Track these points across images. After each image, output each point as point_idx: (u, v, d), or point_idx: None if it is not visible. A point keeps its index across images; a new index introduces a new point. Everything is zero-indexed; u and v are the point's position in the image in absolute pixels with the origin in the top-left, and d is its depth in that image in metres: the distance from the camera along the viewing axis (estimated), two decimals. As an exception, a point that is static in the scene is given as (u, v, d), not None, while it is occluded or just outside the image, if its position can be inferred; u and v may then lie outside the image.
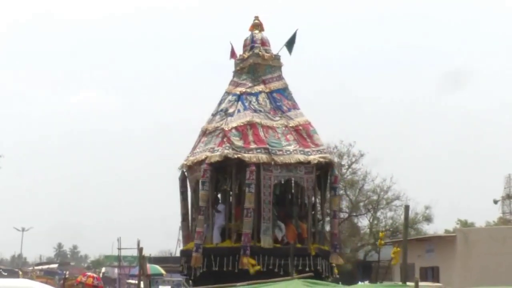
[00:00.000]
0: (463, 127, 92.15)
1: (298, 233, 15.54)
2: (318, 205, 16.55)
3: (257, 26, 16.83)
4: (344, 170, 40.72)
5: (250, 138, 15.36)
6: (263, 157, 15.10)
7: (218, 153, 15.16)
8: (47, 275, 47.08)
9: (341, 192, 38.40)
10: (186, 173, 16.13)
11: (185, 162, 15.99)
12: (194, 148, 16.05)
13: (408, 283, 7.88)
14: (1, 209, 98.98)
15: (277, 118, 15.94)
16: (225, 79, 17.00)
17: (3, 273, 47.72)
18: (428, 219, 40.36)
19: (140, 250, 14.04)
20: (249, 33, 16.69)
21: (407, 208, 8.42)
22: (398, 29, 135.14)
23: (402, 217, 36.69)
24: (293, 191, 16.41)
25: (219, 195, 16.28)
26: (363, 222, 41.47)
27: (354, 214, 40.92)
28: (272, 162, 15.15)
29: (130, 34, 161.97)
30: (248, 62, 16.41)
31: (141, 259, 11.00)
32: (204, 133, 16.08)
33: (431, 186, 60.31)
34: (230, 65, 17.06)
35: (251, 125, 15.54)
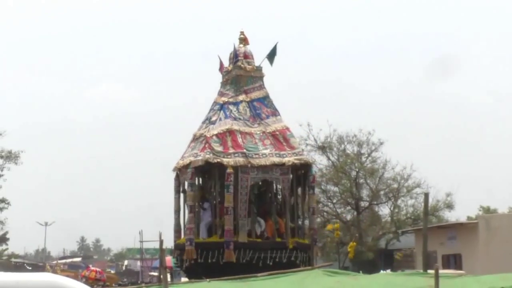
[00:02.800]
0: (483, 113, 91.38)
1: (277, 228, 17.20)
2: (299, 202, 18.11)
3: (242, 40, 18.57)
4: (363, 159, 40.57)
5: (229, 143, 17.13)
6: (240, 161, 16.85)
7: (200, 157, 16.97)
8: (70, 269, 47.39)
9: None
10: (179, 174, 18.05)
11: (176, 165, 17.97)
12: (184, 153, 17.98)
13: (429, 271, 7.83)
14: (24, 204, 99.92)
15: (256, 125, 17.67)
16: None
17: (28, 267, 48.17)
18: (449, 206, 40.28)
19: (160, 242, 14.28)
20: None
21: (426, 195, 8.45)
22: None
23: (423, 204, 36.80)
24: (271, 190, 18.22)
25: (204, 195, 18.04)
26: (384, 210, 41.48)
27: (375, 202, 40.87)
28: (249, 165, 16.83)
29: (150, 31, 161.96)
30: (232, 74, 18.21)
31: (162, 252, 11.10)
32: (194, 138, 18.01)
33: (452, 173, 59.99)
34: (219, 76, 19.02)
35: (230, 132, 17.33)
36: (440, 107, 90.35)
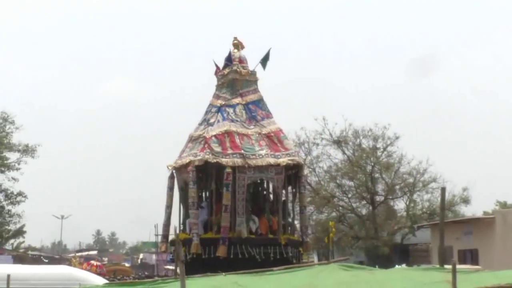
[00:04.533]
0: (500, 108, 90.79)
1: (270, 225, 18.19)
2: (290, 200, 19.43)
3: (236, 45, 19.44)
4: (379, 153, 40.45)
5: (227, 144, 18.07)
6: (238, 161, 17.82)
7: (199, 157, 17.90)
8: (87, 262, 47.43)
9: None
10: (174, 173, 18.88)
11: (173, 164, 18.78)
12: (182, 152, 18.82)
13: (446, 266, 7.78)
14: (41, 198, 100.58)
15: (252, 127, 18.62)
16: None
17: (44, 260, 48.50)
18: (465, 201, 40.18)
19: (176, 236, 14.45)
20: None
21: (443, 190, 8.43)
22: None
23: (439, 199, 36.61)
24: (265, 189, 19.24)
25: (202, 193, 19.08)
26: (400, 205, 41.40)
27: (390, 197, 40.73)
28: (246, 165, 17.81)
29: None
30: (228, 78, 19.13)
31: (178, 245, 11.16)
32: (191, 139, 18.87)
33: (469, 168, 59.76)
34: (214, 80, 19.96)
35: (228, 133, 18.26)
36: (458, 100, 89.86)
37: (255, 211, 18.34)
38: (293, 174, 18.78)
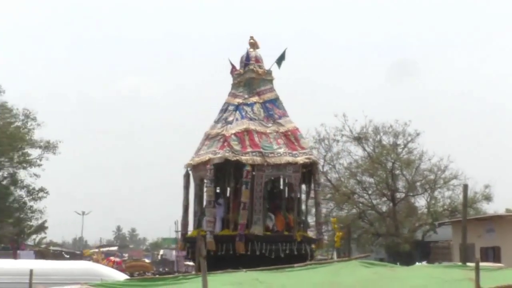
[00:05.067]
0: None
1: (286, 223, 18.50)
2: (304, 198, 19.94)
3: (253, 44, 19.80)
4: (399, 150, 40.24)
5: (247, 143, 18.33)
6: (258, 159, 18.12)
7: (219, 155, 18.13)
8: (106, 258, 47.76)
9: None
10: (190, 172, 19.18)
11: (190, 162, 19.00)
12: (198, 150, 19.08)
13: (468, 264, 7.73)
14: (63, 194, 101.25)
15: (270, 125, 18.96)
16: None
17: (65, 255, 48.86)
18: (487, 198, 39.90)
19: (198, 232, 14.49)
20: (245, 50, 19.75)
21: (465, 187, 8.35)
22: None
23: (461, 196, 36.61)
24: (281, 186, 19.52)
25: (218, 191, 19.16)
26: (420, 202, 41.20)
27: (411, 194, 40.54)
28: (265, 163, 18.16)
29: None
30: (245, 77, 19.45)
31: (200, 241, 11.23)
32: (207, 137, 19.10)
33: (491, 165, 59.29)
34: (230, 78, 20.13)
35: (248, 131, 18.54)
36: (479, 97, 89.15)
37: (272, 208, 18.65)
38: (307, 172, 19.09)
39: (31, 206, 46.75)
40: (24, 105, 46.28)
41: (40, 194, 46.31)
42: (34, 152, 46.30)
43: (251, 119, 18.78)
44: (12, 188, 46.50)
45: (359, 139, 41.38)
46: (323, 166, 41.48)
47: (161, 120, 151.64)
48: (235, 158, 18.00)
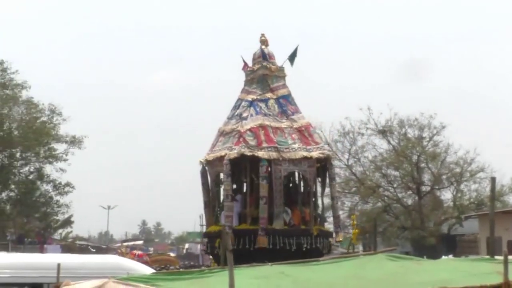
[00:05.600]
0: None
1: (302, 217, 18.75)
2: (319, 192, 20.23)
3: (264, 42, 20.04)
4: (425, 143, 39.97)
5: (262, 138, 18.59)
6: (274, 154, 18.39)
7: (235, 151, 18.36)
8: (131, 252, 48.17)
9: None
10: (206, 167, 19.47)
11: (206, 158, 19.31)
12: (213, 146, 19.35)
13: (496, 257, 7.65)
14: (88, 188, 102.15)
15: (284, 120, 19.21)
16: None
17: (91, 249, 49.31)
18: (515, 191, 39.16)
19: (223, 227, 14.64)
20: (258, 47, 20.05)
21: (493, 180, 8.26)
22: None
23: (487, 189, 36.65)
24: (297, 181, 19.78)
25: (234, 186, 19.39)
26: (446, 195, 40.92)
27: (437, 187, 40.25)
28: (281, 158, 18.41)
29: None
30: (258, 73, 19.67)
31: (226, 235, 11.28)
32: (222, 133, 19.32)
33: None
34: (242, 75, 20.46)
35: (262, 127, 18.81)
36: (507, 89, 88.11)
37: (288, 203, 18.90)
38: (321, 166, 19.38)
39: (57, 201, 47.23)
40: (50, 100, 46.74)
41: (66, 189, 46.74)
42: (60, 147, 46.76)
43: (265, 114, 19.07)
44: (38, 183, 47.01)
45: (384, 132, 41.19)
46: (348, 159, 41.46)
47: (187, 114, 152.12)
48: (251, 153, 18.29)
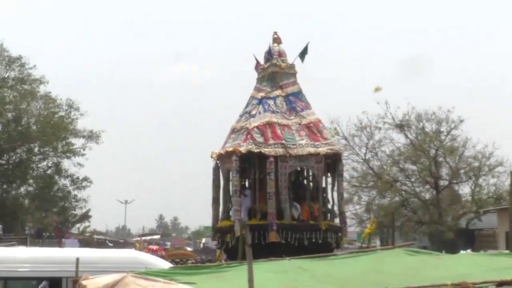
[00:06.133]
0: None
1: (311, 212, 19.06)
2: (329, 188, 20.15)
3: (276, 39, 20.39)
4: (443, 137, 39.77)
5: (269, 135, 18.99)
6: (280, 151, 18.76)
7: (243, 147, 18.83)
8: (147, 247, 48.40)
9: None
10: (218, 164, 19.95)
11: (217, 154, 19.76)
12: (225, 143, 19.86)
13: (515, 251, 7.62)
14: (106, 183, 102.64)
15: (292, 117, 19.48)
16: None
17: (109, 244, 49.57)
18: (533, 185, 38.68)
19: (241, 221, 14.75)
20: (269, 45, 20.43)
21: (512, 174, 8.12)
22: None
23: (506, 183, 36.35)
24: (305, 177, 20.10)
25: (244, 182, 19.75)
26: (465, 189, 40.72)
27: (455, 181, 40.03)
28: (287, 155, 18.75)
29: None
30: (268, 71, 20.10)
31: (246, 229, 11.32)
32: (233, 131, 19.84)
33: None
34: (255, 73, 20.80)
35: (270, 124, 19.18)
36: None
37: (297, 198, 19.23)
38: (332, 162, 19.64)
39: (75, 195, 47.63)
40: (68, 95, 47.00)
41: (84, 183, 47.12)
42: (77, 142, 47.08)
43: (273, 112, 19.45)
44: (56, 177, 47.41)
45: (402, 126, 41.08)
46: (365, 153, 41.37)
47: (205, 108, 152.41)
48: (257, 150, 18.72)
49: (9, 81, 46.19)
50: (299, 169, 19.62)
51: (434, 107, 40.91)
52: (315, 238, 18.44)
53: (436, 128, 41.13)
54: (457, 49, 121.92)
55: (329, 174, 19.94)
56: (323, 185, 19.64)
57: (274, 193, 18.47)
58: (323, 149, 19.06)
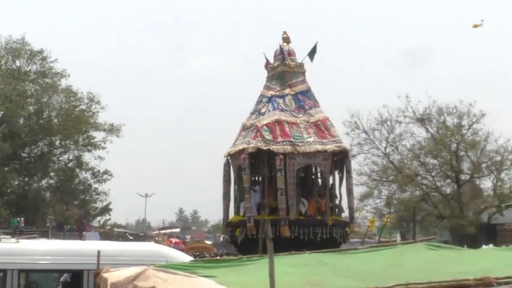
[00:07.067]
0: None
1: (318, 208, 19.53)
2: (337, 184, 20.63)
3: (286, 39, 20.83)
4: (464, 131, 39.50)
5: (278, 132, 19.48)
6: (288, 148, 19.28)
7: (252, 145, 19.46)
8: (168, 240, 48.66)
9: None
10: (229, 161, 20.50)
11: (228, 151, 20.37)
12: (236, 140, 20.41)
13: (539, 247, 7.57)
14: (126, 176, 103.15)
15: (300, 115, 19.97)
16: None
17: (129, 237, 49.91)
18: (556, 179, 38.49)
19: (261, 216, 14.89)
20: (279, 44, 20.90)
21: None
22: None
23: (529, 178, 35.70)
24: (313, 174, 20.59)
25: (255, 178, 20.31)
26: (486, 184, 40.39)
27: (476, 175, 39.74)
28: (295, 152, 19.26)
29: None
30: (277, 70, 20.63)
31: (267, 224, 11.32)
32: (243, 128, 20.43)
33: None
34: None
35: (278, 122, 19.69)
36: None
37: (305, 194, 19.77)
38: (339, 159, 20.21)
39: (96, 188, 48.12)
40: (88, 89, 47.31)
41: (105, 177, 47.59)
42: (98, 135, 47.43)
43: (282, 110, 19.97)
44: (77, 170, 47.89)
45: (422, 120, 40.89)
46: (385, 147, 41.23)
47: (226, 100, 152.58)
48: (266, 148, 19.27)
49: (31, 74, 46.76)
50: (306, 165, 20.11)
51: (455, 100, 40.70)
52: (321, 233, 18.97)
53: (457, 122, 40.93)
54: (480, 43, 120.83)
55: (337, 171, 20.47)
56: (331, 181, 20.20)
57: (283, 189, 19.01)
58: (330, 147, 19.62)
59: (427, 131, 41.55)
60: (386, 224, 30.91)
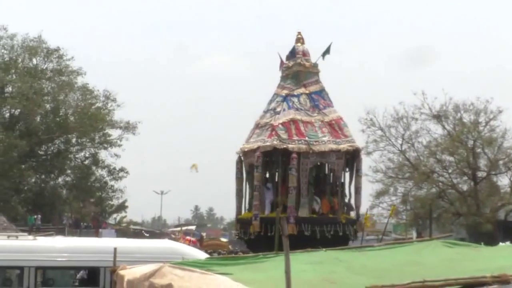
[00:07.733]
0: None
1: (331, 206, 19.87)
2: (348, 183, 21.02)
3: (300, 39, 21.15)
4: (481, 128, 39.22)
5: (293, 131, 19.75)
6: (303, 147, 19.59)
7: (268, 143, 19.69)
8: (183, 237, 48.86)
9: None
10: (242, 158, 20.74)
11: (242, 149, 20.60)
12: (249, 138, 20.68)
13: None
14: (142, 174, 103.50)
15: (315, 115, 20.27)
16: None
17: (145, 234, 50.11)
18: None
19: (277, 212, 15.07)
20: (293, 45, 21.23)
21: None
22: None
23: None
24: (326, 172, 20.89)
25: (267, 176, 20.65)
26: (503, 181, 40.19)
27: (493, 172, 39.44)
28: (310, 151, 19.53)
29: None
30: (292, 70, 20.88)
31: (283, 221, 11.35)
32: (257, 126, 20.67)
33: None
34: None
35: (294, 121, 19.96)
36: None
37: (318, 192, 20.10)
38: (350, 158, 20.50)
39: (112, 186, 48.35)
40: (104, 86, 47.52)
41: (121, 174, 47.81)
42: (114, 133, 47.64)
43: (297, 109, 20.22)
44: (93, 168, 48.11)
45: (439, 117, 40.75)
46: (401, 144, 41.09)
47: (241, 98, 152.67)
48: (283, 146, 19.52)
49: (47, 72, 47.04)
50: (318, 163, 20.43)
51: (472, 97, 40.49)
52: (334, 231, 19.31)
53: (474, 119, 40.76)
54: (497, 40, 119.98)
55: (347, 169, 20.75)
56: (342, 180, 20.59)
57: (295, 187, 19.33)
58: (344, 146, 19.94)
59: (444, 128, 41.47)
60: (391, 215, 30.96)
